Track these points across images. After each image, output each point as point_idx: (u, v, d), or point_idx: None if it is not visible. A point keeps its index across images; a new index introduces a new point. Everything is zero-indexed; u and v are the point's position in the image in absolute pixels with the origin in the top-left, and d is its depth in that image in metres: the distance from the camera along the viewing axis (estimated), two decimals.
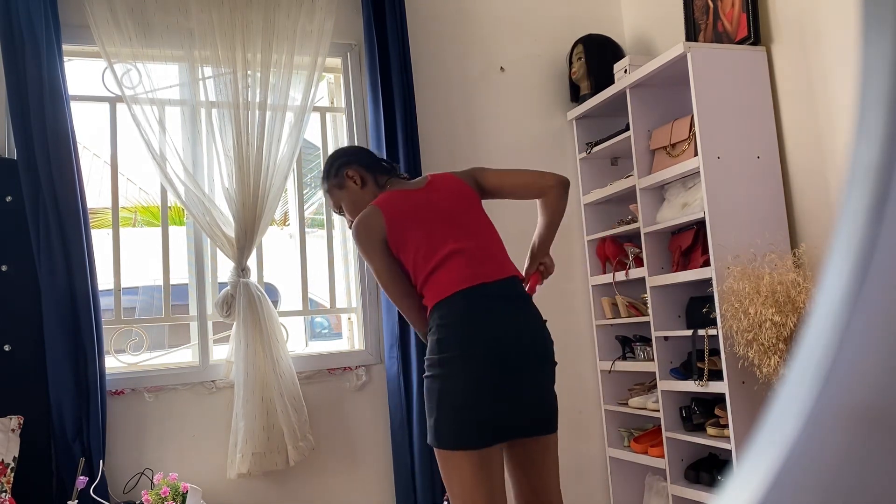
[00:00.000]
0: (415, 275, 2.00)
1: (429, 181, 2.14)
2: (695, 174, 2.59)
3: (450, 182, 2.14)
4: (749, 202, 2.52)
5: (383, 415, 2.93)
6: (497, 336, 1.88)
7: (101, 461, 2.44)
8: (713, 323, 2.48)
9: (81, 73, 2.91)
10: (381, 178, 2.19)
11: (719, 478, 2.56)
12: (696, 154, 2.55)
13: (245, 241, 2.73)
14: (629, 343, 3.09)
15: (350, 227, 2.11)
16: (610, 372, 3.14)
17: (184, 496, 2.39)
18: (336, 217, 3.15)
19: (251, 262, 2.79)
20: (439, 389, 1.86)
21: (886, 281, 0.29)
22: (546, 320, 2.08)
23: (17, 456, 2.34)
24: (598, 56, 3.22)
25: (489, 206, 2.24)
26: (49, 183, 2.49)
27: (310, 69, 2.89)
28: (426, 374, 1.91)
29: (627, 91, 2.88)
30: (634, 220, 2.95)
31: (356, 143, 3.09)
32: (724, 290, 2.36)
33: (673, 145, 2.72)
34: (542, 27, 3.42)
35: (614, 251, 3.11)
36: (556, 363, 2.11)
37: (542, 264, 2.25)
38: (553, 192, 2.16)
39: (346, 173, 2.18)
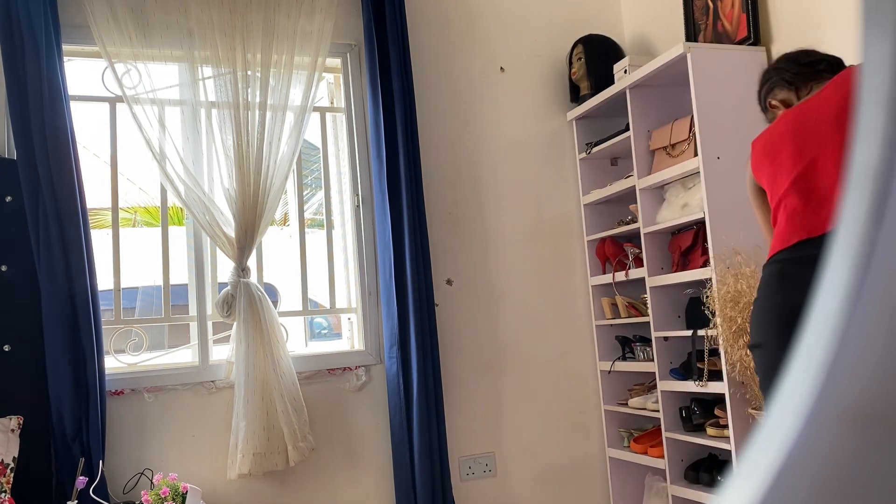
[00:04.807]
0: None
1: (836, 77, 1.69)
2: (695, 174, 2.59)
3: (848, 77, 1.65)
4: (749, 202, 2.52)
5: (383, 415, 2.93)
6: (778, 324, 1.58)
7: (100, 461, 2.44)
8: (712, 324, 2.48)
9: (81, 73, 2.91)
10: (806, 89, 1.80)
11: (719, 478, 2.56)
12: (695, 154, 2.55)
13: (245, 241, 2.73)
14: (629, 343, 3.09)
15: None
16: (610, 372, 3.15)
17: (183, 496, 2.39)
18: (336, 217, 3.15)
19: (251, 262, 2.79)
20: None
21: (886, 281, 0.29)
22: None
23: (16, 456, 2.33)
24: (598, 56, 3.22)
25: None
26: (49, 183, 2.49)
27: (310, 69, 2.89)
28: None
29: (627, 91, 2.88)
30: (634, 220, 2.95)
31: (355, 144, 3.09)
32: (724, 291, 2.35)
33: (673, 145, 2.72)
34: (542, 27, 3.42)
35: (614, 251, 3.11)
36: None
37: None
38: None
39: (769, 103, 1.90)
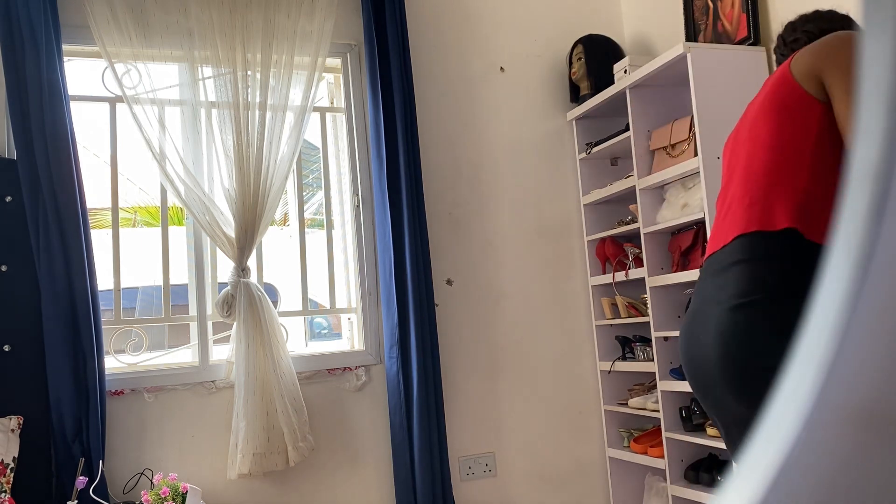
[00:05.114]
0: None
1: (776, 70, 1.50)
2: (695, 174, 2.59)
3: (778, 71, 1.47)
4: None
5: (383, 415, 2.93)
6: (682, 341, 1.53)
7: (100, 461, 2.44)
8: None
9: (81, 73, 2.91)
10: None
11: (719, 478, 2.56)
12: (695, 154, 2.55)
13: (245, 241, 2.73)
14: (629, 343, 3.09)
15: None
16: (610, 372, 3.14)
17: (183, 496, 2.39)
18: (336, 217, 3.15)
19: (251, 262, 2.79)
20: None
21: (886, 281, 0.29)
22: (750, 300, 1.32)
23: (16, 456, 2.33)
24: (598, 56, 3.22)
25: None
26: (49, 183, 2.49)
27: (310, 69, 2.89)
28: None
29: (627, 91, 2.88)
30: (634, 220, 2.95)
31: (355, 144, 3.09)
32: None
33: (673, 145, 2.72)
34: (542, 27, 3.43)
35: (614, 251, 3.11)
36: (740, 375, 1.36)
37: None
38: None
39: None
